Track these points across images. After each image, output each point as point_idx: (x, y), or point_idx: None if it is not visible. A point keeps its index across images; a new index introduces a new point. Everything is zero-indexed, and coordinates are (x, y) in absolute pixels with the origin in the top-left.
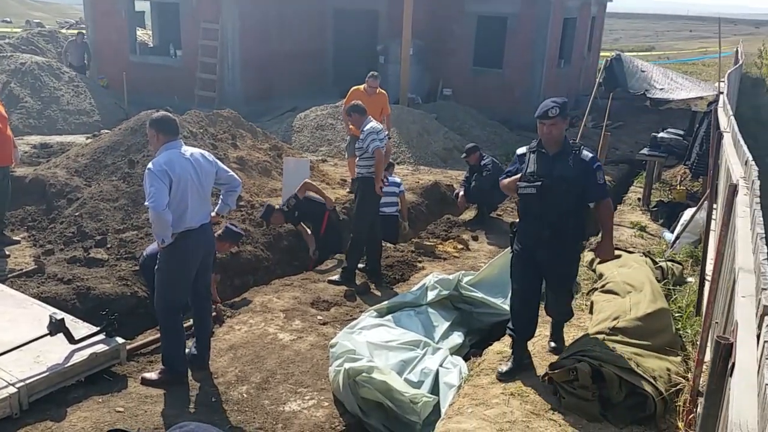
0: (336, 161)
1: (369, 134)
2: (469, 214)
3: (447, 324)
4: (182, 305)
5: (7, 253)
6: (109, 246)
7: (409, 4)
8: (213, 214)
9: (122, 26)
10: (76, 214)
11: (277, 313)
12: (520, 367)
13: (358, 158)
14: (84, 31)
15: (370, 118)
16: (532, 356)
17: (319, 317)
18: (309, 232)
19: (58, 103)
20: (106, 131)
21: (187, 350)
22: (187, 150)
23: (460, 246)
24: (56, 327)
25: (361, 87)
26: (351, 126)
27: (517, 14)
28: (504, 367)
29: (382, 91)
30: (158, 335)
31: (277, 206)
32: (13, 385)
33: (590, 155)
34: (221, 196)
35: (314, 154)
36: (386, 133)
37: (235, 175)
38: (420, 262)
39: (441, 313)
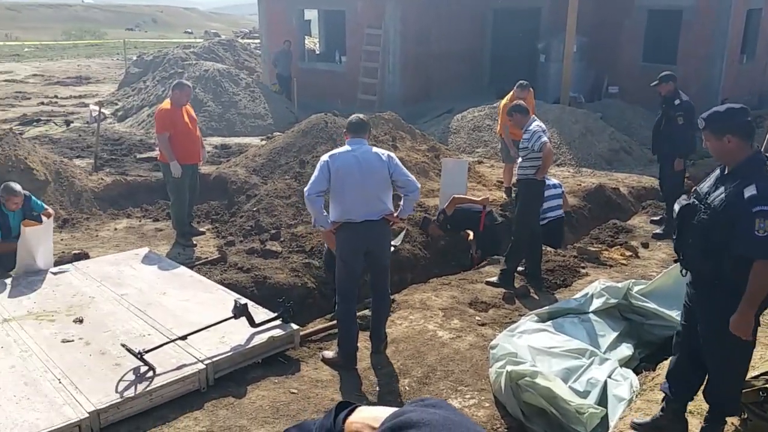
0: (492, 162)
1: (535, 133)
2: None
3: (615, 334)
4: (350, 294)
5: (195, 242)
6: (282, 239)
7: None
8: (395, 215)
9: (292, 34)
10: (254, 209)
11: (436, 311)
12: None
13: (521, 159)
14: (290, 41)
15: (534, 117)
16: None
17: (477, 318)
18: (471, 236)
19: (237, 107)
20: (279, 133)
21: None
22: (363, 148)
23: (628, 253)
24: (240, 311)
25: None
26: (501, 129)
27: (695, 6)
28: (640, 419)
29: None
30: (327, 324)
31: (433, 218)
32: (201, 362)
33: (753, 193)
34: (402, 200)
35: (470, 156)
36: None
37: (414, 180)
38: (583, 268)
39: (608, 322)
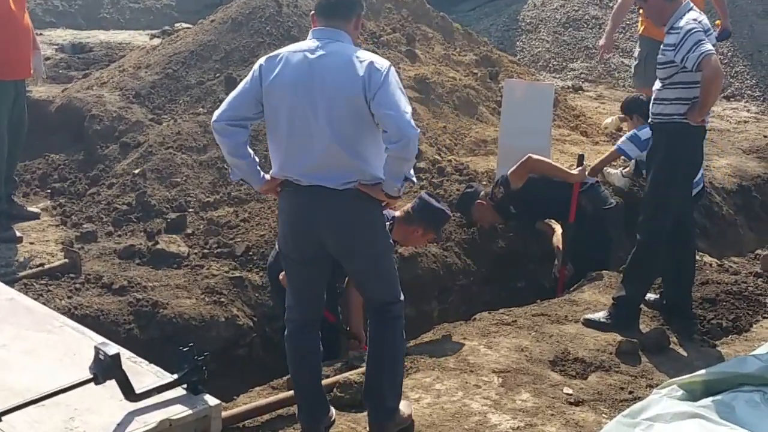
0: (601, 90)
1: (690, 33)
2: None
3: None
4: (297, 314)
5: (19, 234)
6: (190, 232)
7: None
8: (375, 187)
9: None
10: (136, 171)
11: (488, 376)
12: None
13: (659, 84)
14: None
15: (688, 5)
16: None
17: (566, 389)
18: (556, 232)
19: None
20: (186, 26)
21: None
22: (330, 48)
23: None
24: (106, 369)
25: None
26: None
27: None
28: None
29: None
30: (275, 396)
31: (483, 191)
32: None
33: None
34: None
35: (558, 76)
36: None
37: (403, 116)
38: None
39: None
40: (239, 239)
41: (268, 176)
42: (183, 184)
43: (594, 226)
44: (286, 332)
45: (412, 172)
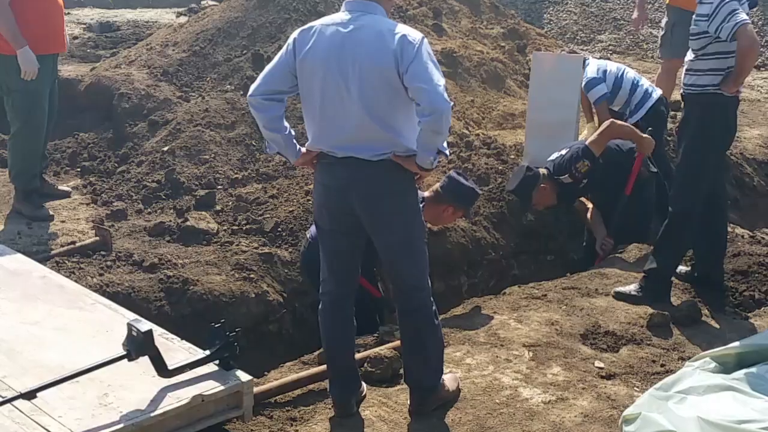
0: (629, 61)
1: (721, 4)
2: None
3: None
4: (331, 286)
5: (51, 213)
6: (219, 208)
7: None
8: (409, 159)
9: None
10: (165, 149)
11: (518, 350)
12: None
13: (692, 54)
14: None
15: None
16: None
17: (597, 363)
18: (588, 206)
19: None
20: (212, 3)
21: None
22: (363, 21)
23: None
24: (139, 345)
25: None
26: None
27: None
28: None
29: None
30: (307, 371)
31: (536, 170)
32: None
33: None
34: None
35: (587, 48)
36: None
37: (436, 89)
38: None
39: None
40: (268, 215)
41: (304, 149)
42: (211, 161)
43: (643, 195)
44: (320, 306)
45: (445, 144)
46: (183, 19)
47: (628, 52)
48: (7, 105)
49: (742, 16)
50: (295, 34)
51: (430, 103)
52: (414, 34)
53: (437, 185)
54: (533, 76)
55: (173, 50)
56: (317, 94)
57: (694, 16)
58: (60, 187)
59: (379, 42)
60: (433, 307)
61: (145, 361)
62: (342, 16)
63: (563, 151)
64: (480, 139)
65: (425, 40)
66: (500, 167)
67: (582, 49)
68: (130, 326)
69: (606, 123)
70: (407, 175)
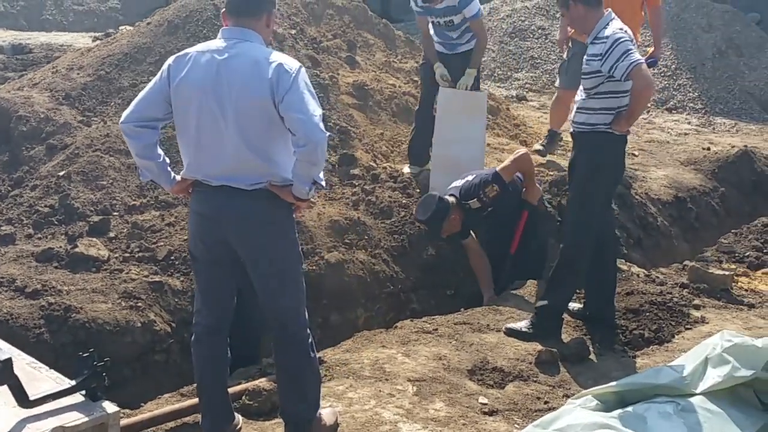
0: (544, 100)
1: (617, 42)
2: None
3: None
4: (204, 318)
5: None
6: (113, 235)
7: None
8: (284, 189)
9: None
10: (61, 173)
11: (403, 384)
12: None
13: (584, 94)
14: None
15: (611, 14)
16: None
17: (482, 399)
18: (480, 266)
19: None
20: (126, 28)
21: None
22: (239, 48)
23: None
24: None
25: None
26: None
27: None
28: None
29: None
30: (185, 402)
31: (446, 198)
32: None
33: None
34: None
35: (503, 85)
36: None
37: (312, 118)
38: (698, 307)
39: (733, 413)
40: (162, 243)
41: (179, 177)
42: (109, 187)
43: (538, 233)
44: (192, 337)
45: (322, 175)
46: (95, 43)
47: (544, 91)
48: None
49: (637, 56)
50: (170, 60)
51: (306, 134)
52: (291, 63)
53: None
54: (439, 111)
55: (78, 74)
56: (192, 122)
57: (585, 56)
58: None
59: (255, 70)
60: (310, 340)
61: (5, 391)
62: (218, 43)
63: (469, 177)
64: (387, 172)
65: (302, 69)
66: (404, 201)
67: (499, 87)
68: None
69: (519, 152)
70: (283, 205)
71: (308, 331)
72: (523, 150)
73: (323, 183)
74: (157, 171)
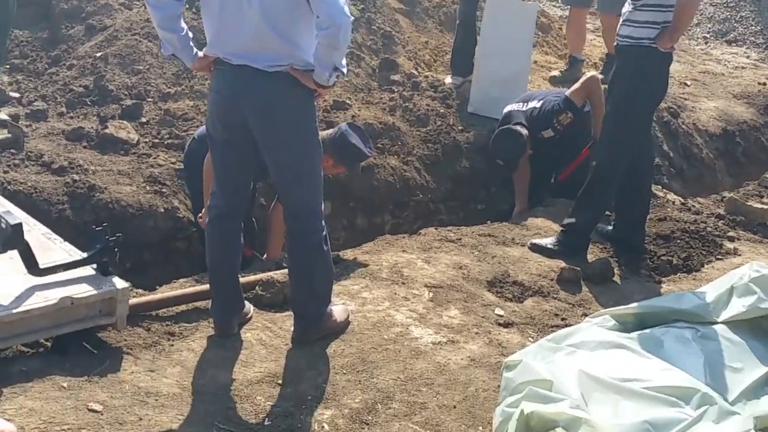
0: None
1: None
2: None
3: (763, 370)
4: (219, 200)
5: None
6: (144, 120)
7: None
8: (306, 74)
9: None
10: (98, 54)
11: (419, 289)
12: None
13: (630, 5)
14: None
15: None
16: None
17: (498, 311)
18: (525, 170)
19: None
20: None
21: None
22: None
23: None
24: (6, 238)
25: None
26: None
27: None
28: None
29: None
30: (187, 290)
31: (522, 130)
32: None
33: None
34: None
35: (558, 5)
36: None
37: (338, 2)
38: (732, 239)
39: (753, 344)
40: (193, 132)
41: (201, 53)
42: (145, 73)
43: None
44: (207, 219)
45: (344, 62)
46: None
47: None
48: None
49: None
50: None
51: (329, 16)
52: None
53: (328, 132)
54: (485, 21)
55: None
56: None
57: None
58: (9, 93)
59: None
60: (324, 233)
61: (13, 257)
62: None
63: (534, 103)
64: (428, 81)
65: None
66: (442, 110)
67: (555, 5)
68: (0, 217)
69: (588, 75)
70: (304, 91)
71: (322, 224)
72: (591, 73)
73: (344, 69)
74: (178, 45)
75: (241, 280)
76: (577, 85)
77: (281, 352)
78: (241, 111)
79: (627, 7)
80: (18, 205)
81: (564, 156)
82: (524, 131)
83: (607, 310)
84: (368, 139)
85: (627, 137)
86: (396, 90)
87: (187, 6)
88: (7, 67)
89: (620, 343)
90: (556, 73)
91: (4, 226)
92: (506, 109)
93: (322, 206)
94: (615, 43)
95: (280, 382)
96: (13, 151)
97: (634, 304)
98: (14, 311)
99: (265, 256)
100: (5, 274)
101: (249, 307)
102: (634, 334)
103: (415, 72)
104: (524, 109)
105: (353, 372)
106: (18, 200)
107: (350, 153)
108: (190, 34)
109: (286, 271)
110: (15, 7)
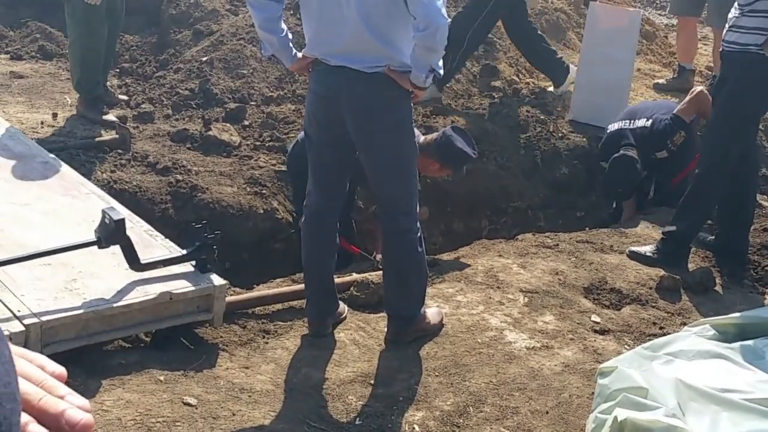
0: (706, 32)
1: None
2: None
3: None
4: (316, 197)
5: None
6: (247, 123)
7: None
8: (403, 75)
9: None
10: (204, 59)
11: (514, 294)
12: None
13: (737, 11)
14: None
15: None
16: None
17: (594, 317)
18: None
19: None
20: None
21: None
22: None
23: None
24: (110, 234)
25: None
26: None
27: None
28: None
29: None
30: (284, 289)
31: (632, 155)
32: (20, 318)
33: None
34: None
35: (664, 13)
36: None
37: (435, 3)
38: None
39: None
40: (294, 135)
41: (300, 54)
42: (249, 77)
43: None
44: (303, 219)
45: (440, 63)
46: None
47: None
48: (66, 13)
49: None
50: None
51: (426, 17)
52: None
53: (432, 136)
54: (587, 29)
55: None
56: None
57: None
58: (119, 95)
59: None
60: (419, 234)
61: (115, 252)
62: None
63: (640, 122)
64: (529, 89)
65: None
66: (542, 117)
67: (660, 14)
68: (104, 213)
69: (696, 90)
70: (401, 92)
71: (418, 225)
72: (699, 88)
73: (441, 71)
74: (278, 46)
75: (336, 280)
76: (685, 102)
77: (374, 353)
78: (339, 111)
79: (734, 12)
80: (123, 204)
81: (672, 168)
82: (636, 155)
83: (707, 319)
84: (472, 141)
85: (731, 146)
86: (496, 96)
87: (291, 12)
88: (117, 70)
89: (720, 353)
90: (661, 81)
91: (107, 221)
92: (612, 128)
93: (417, 207)
94: (720, 49)
95: (372, 382)
96: (120, 151)
97: (736, 314)
98: (115, 305)
99: (375, 255)
100: (108, 268)
101: (343, 307)
102: (735, 345)
103: (516, 78)
104: (632, 127)
105: (445, 374)
106: (123, 199)
107: (456, 156)
108: (290, 36)
109: (381, 272)
110: (124, 12)
